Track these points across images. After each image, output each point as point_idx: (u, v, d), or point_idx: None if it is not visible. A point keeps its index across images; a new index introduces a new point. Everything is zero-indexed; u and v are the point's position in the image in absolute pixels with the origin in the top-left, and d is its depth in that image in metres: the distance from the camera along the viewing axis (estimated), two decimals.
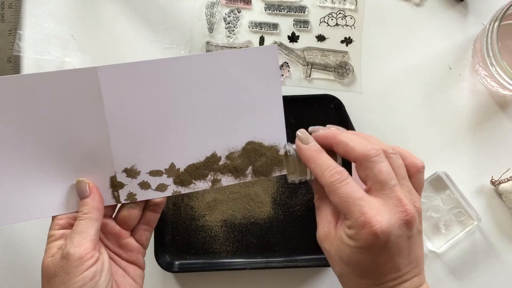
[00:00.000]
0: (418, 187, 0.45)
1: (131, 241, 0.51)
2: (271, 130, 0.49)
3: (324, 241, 0.44)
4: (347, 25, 0.66)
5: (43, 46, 0.66)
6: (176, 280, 0.65)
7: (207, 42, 0.66)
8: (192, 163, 0.48)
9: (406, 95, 0.65)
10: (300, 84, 0.66)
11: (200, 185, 0.49)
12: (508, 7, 0.56)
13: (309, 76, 0.66)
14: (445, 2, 0.66)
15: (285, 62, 0.66)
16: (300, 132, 0.46)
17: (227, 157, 0.49)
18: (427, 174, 0.64)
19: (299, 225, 0.64)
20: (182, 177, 0.49)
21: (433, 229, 0.64)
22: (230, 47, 0.65)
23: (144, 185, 0.49)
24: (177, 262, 0.63)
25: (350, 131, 0.47)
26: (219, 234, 0.64)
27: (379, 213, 0.40)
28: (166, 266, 0.62)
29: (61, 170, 0.47)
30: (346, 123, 0.62)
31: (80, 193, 0.47)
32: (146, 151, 0.48)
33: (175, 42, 0.66)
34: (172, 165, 0.48)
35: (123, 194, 0.49)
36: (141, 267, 0.51)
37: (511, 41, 0.61)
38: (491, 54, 0.57)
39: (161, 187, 0.49)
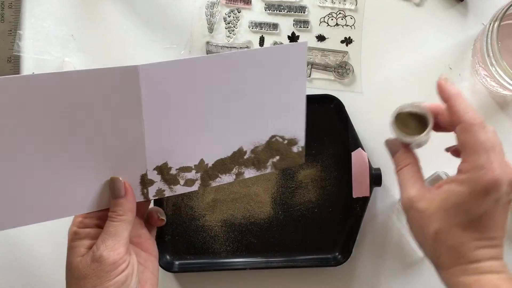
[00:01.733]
0: None
1: (145, 230, 0.51)
2: (293, 124, 0.50)
3: (420, 200, 0.43)
4: (347, 25, 0.66)
5: (43, 46, 0.66)
6: (176, 280, 0.65)
7: (207, 42, 0.66)
8: (220, 158, 0.49)
9: (406, 95, 0.65)
10: None
11: (225, 179, 0.50)
12: (508, 7, 0.56)
13: (309, 76, 0.66)
14: (445, 2, 0.66)
15: None
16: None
17: (252, 151, 0.50)
18: (427, 174, 0.64)
19: (299, 225, 0.64)
20: (210, 172, 0.49)
21: None
22: (230, 47, 0.65)
23: (172, 181, 0.49)
24: (177, 262, 0.63)
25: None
26: (219, 234, 0.64)
27: (501, 166, 0.40)
28: (166, 266, 0.62)
29: (93, 167, 0.46)
30: (346, 123, 0.62)
31: (114, 192, 0.46)
32: (177, 148, 0.48)
33: (175, 42, 0.66)
34: (202, 161, 0.49)
35: (152, 191, 0.48)
36: (156, 257, 0.51)
37: (511, 41, 0.61)
38: (491, 54, 0.57)
39: (189, 182, 0.49)
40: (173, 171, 0.48)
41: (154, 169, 0.48)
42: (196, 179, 0.49)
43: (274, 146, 0.50)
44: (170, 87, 0.46)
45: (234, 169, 0.50)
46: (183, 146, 0.48)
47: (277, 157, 0.51)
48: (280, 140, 0.50)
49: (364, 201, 0.61)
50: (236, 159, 0.50)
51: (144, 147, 0.46)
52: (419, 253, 0.64)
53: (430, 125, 0.45)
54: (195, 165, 0.49)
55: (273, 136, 0.50)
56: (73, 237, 0.46)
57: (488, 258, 0.41)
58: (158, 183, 0.48)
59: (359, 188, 0.61)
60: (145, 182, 0.48)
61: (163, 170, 0.48)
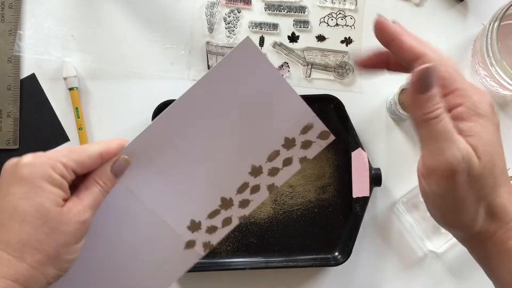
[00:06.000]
0: None
1: None
2: (296, 114, 0.46)
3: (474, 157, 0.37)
4: (347, 25, 0.66)
5: (43, 46, 0.66)
6: (176, 280, 0.65)
7: (207, 42, 0.66)
8: (240, 185, 0.47)
9: None
10: (300, 84, 0.66)
11: (258, 198, 0.48)
12: (508, 7, 0.56)
13: (309, 76, 0.66)
14: (445, 2, 0.66)
15: (285, 62, 0.66)
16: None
17: (269, 158, 0.47)
18: None
19: (299, 225, 0.64)
20: (238, 203, 0.48)
21: (433, 229, 0.64)
22: (230, 47, 0.65)
23: (211, 230, 0.48)
24: None
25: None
26: None
27: None
28: None
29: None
30: (346, 123, 0.62)
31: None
32: (194, 201, 0.47)
33: (175, 42, 0.66)
34: (224, 199, 0.47)
35: (199, 249, 0.48)
36: None
37: (511, 41, 0.61)
38: (491, 54, 0.57)
39: (227, 221, 0.48)
40: (204, 222, 0.47)
41: (188, 229, 0.47)
42: (231, 215, 0.48)
43: (290, 144, 0.47)
44: (152, 160, 0.45)
45: (262, 185, 0.47)
46: (198, 197, 0.47)
47: (302, 150, 0.47)
48: (294, 136, 0.46)
49: (364, 201, 0.61)
50: (256, 174, 0.47)
51: (169, 227, 0.47)
52: (419, 253, 0.64)
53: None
54: (220, 205, 0.47)
55: (286, 138, 0.47)
56: (49, 179, 0.40)
57: None
58: (199, 239, 0.48)
59: (359, 188, 0.61)
60: (190, 245, 0.48)
61: (194, 227, 0.47)
